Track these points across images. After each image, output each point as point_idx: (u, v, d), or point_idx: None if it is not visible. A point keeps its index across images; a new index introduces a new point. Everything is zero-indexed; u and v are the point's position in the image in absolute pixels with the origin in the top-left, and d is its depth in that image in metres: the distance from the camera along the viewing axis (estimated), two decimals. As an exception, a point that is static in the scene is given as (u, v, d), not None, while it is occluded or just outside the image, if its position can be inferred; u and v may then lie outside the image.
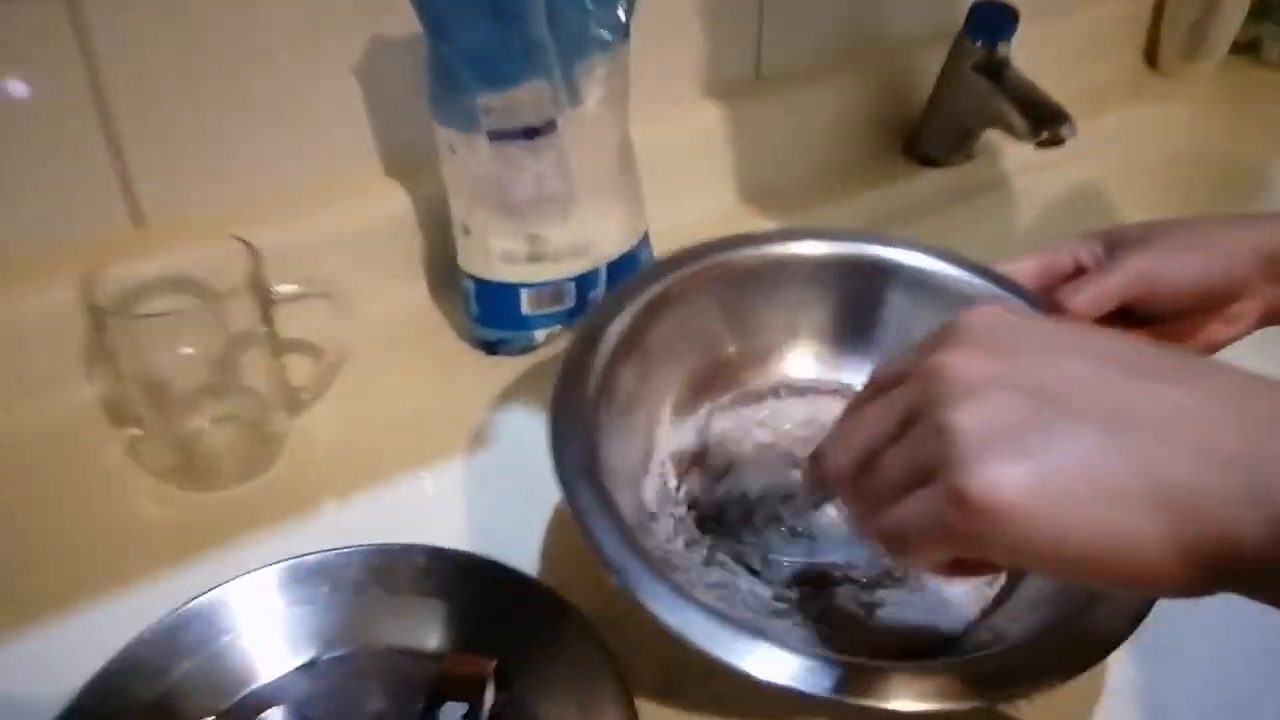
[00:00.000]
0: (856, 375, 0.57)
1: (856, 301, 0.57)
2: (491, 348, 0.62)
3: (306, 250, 0.60)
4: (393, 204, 0.64)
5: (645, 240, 0.64)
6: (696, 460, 0.54)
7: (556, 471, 0.44)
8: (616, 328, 0.50)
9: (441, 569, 0.47)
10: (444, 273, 0.65)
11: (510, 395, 0.61)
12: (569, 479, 0.43)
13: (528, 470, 0.51)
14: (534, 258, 0.59)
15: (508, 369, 0.62)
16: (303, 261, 0.58)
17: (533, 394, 0.61)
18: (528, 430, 0.58)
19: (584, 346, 0.49)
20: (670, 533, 0.50)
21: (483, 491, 0.55)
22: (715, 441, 0.54)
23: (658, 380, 0.54)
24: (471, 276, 0.60)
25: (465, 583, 0.47)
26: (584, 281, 0.61)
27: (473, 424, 0.59)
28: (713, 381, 0.56)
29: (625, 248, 0.62)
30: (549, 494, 0.44)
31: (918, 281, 0.56)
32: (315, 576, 0.47)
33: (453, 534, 0.51)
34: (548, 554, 0.51)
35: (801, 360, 0.58)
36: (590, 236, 0.59)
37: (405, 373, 0.61)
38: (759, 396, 0.57)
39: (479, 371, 0.62)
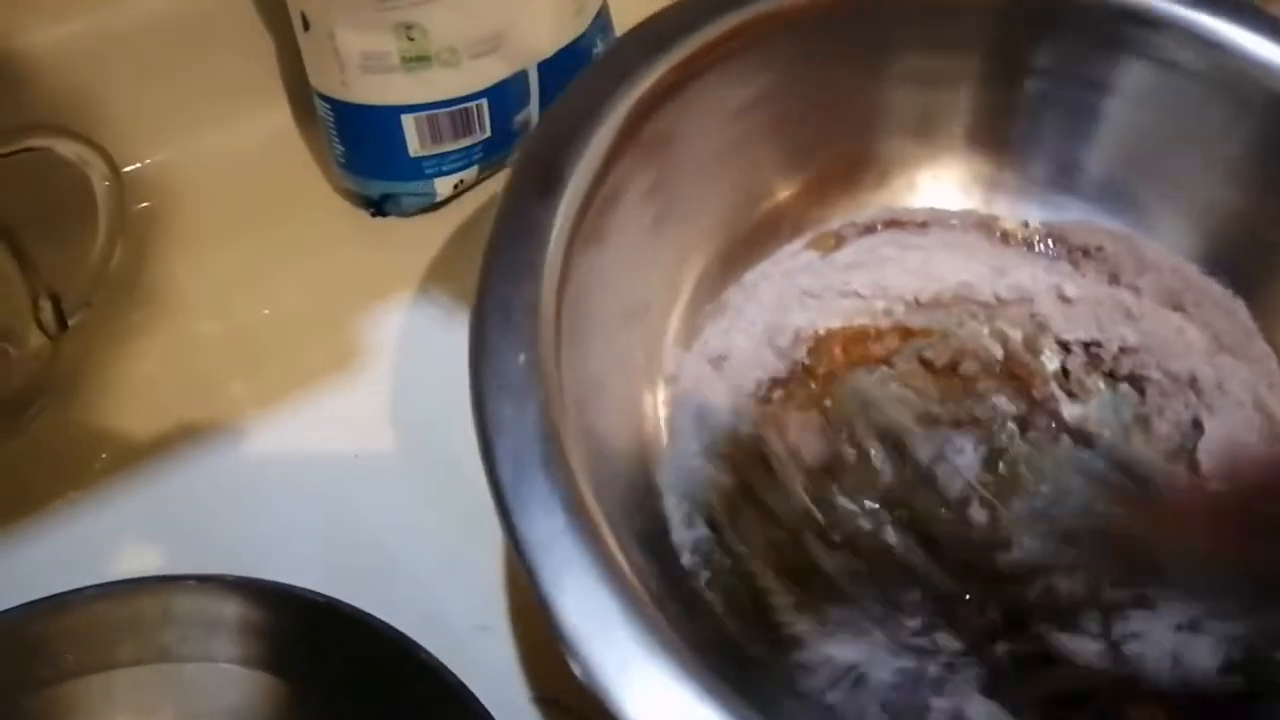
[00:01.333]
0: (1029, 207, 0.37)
1: (1046, 79, 0.36)
2: (376, 207, 0.41)
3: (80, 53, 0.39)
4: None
5: (601, 23, 0.41)
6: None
7: (483, 452, 0.24)
8: (587, 162, 0.29)
9: (267, 623, 0.28)
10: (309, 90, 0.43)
11: (409, 284, 0.40)
12: (504, 465, 0.24)
13: (434, 438, 0.35)
14: (414, 61, 0.36)
15: (402, 239, 0.41)
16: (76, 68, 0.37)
17: (443, 282, 0.40)
18: (433, 356, 0.38)
19: (529, 199, 0.28)
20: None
21: (354, 476, 0.36)
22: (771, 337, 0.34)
23: (668, 249, 0.33)
24: (325, 97, 0.38)
25: (311, 654, 0.28)
26: (502, 96, 0.38)
27: (341, 341, 0.39)
28: (766, 236, 0.36)
29: (566, 36, 0.39)
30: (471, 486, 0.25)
31: (1170, 48, 0.34)
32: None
33: (296, 560, 0.32)
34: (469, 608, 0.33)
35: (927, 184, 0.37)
36: (504, 19, 0.37)
37: (240, 256, 0.40)
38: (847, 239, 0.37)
39: (356, 245, 0.41)
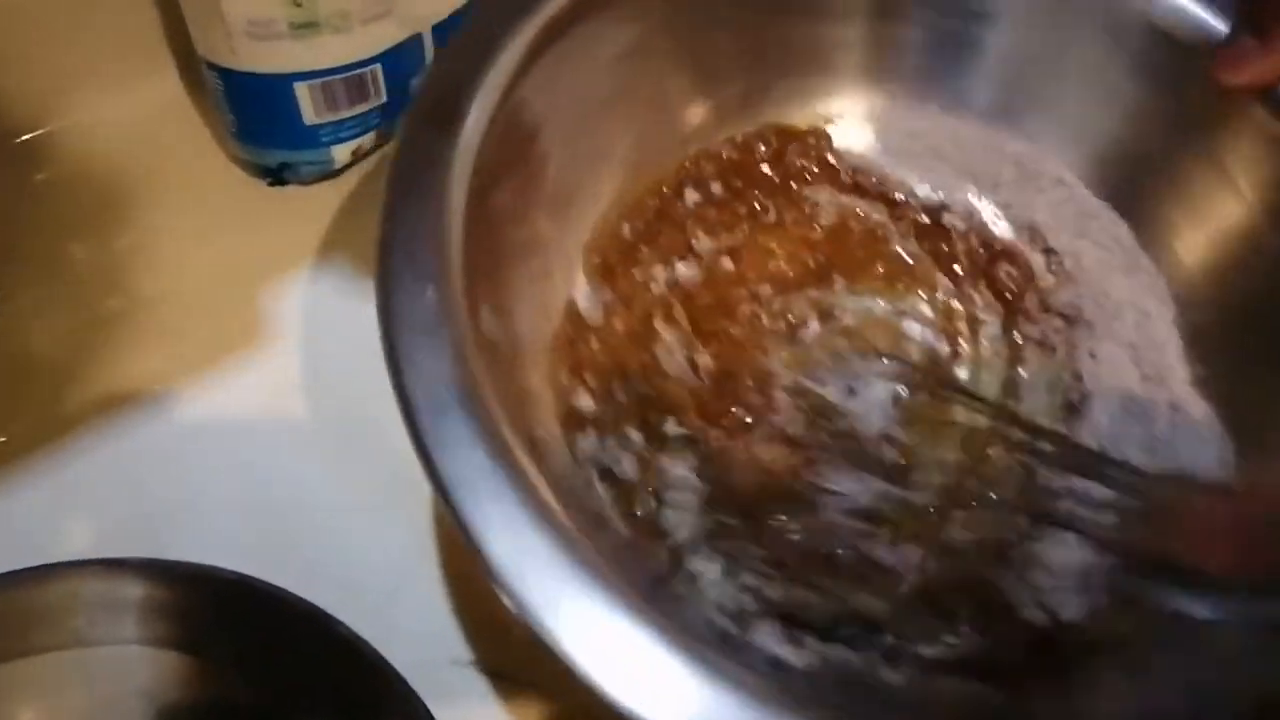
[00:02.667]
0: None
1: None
2: (274, 176, 0.40)
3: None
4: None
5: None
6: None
7: (398, 392, 0.24)
8: (481, 105, 0.28)
9: (177, 603, 0.28)
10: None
11: (311, 252, 0.40)
12: (420, 405, 0.24)
13: (347, 404, 0.34)
14: (303, 27, 0.35)
15: (301, 208, 0.40)
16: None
17: (345, 249, 0.40)
18: (340, 323, 0.38)
19: (428, 133, 0.27)
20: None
21: (269, 448, 0.36)
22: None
23: (575, 194, 0.33)
24: (213, 66, 0.37)
25: (223, 632, 0.28)
26: (397, 61, 0.38)
27: (247, 312, 0.38)
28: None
29: (461, -2, 0.39)
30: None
31: None
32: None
33: (214, 536, 0.32)
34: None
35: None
36: (394, -17, 0.36)
37: (139, 228, 0.39)
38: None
39: (256, 216, 0.40)
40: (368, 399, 0.35)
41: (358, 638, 0.28)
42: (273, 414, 0.37)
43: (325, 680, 0.27)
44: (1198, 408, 0.33)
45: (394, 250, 0.25)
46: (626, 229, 0.35)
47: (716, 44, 0.35)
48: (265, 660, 0.27)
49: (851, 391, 0.34)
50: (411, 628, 0.32)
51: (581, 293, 0.34)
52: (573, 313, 0.33)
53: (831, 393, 0.34)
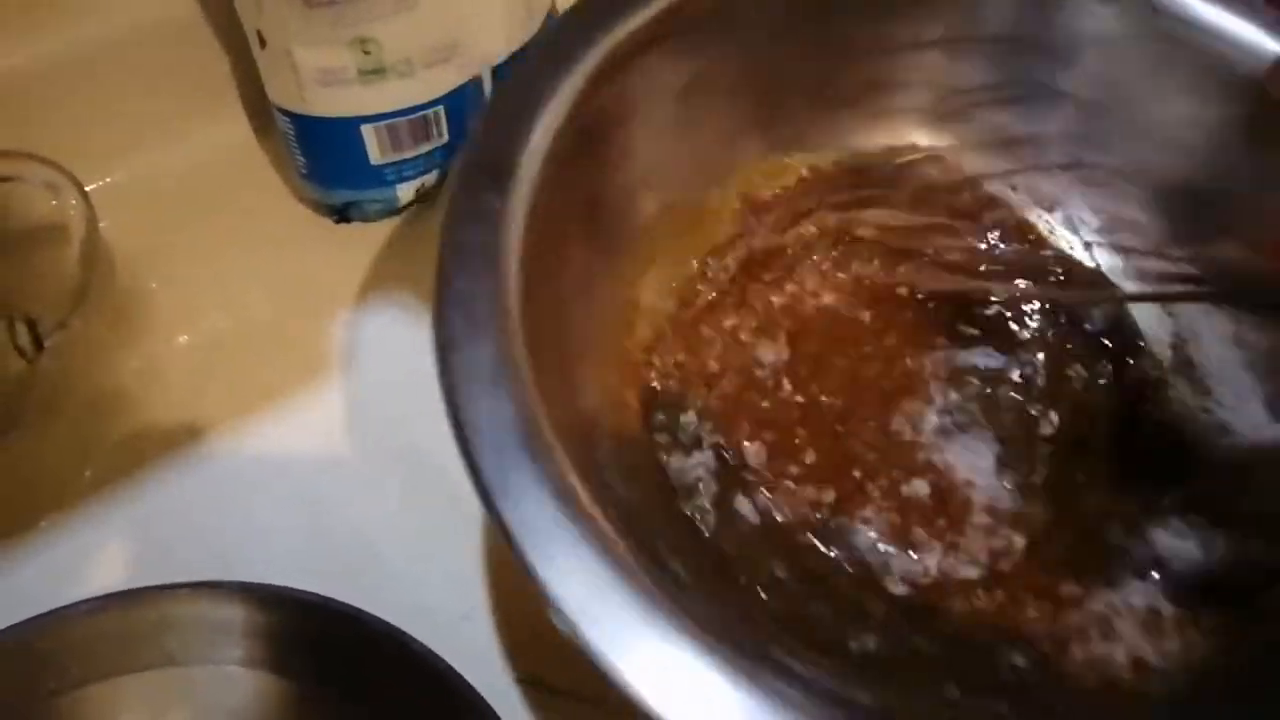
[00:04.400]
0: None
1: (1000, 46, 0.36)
2: (340, 214, 0.42)
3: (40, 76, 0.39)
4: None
5: (550, 22, 0.42)
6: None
7: (460, 445, 0.24)
8: (539, 137, 0.28)
9: (265, 624, 0.29)
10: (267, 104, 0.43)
11: (374, 287, 0.41)
12: (483, 451, 0.24)
13: (407, 435, 0.35)
14: (371, 73, 0.37)
15: (367, 245, 0.42)
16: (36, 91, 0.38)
17: (410, 284, 0.41)
18: (403, 356, 0.40)
19: (481, 187, 0.27)
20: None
21: (332, 476, 0.37)
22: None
23: (631, 224, 0.34)
24: (285, 111, 0.39)
25: (308, 651, 0.29)
26: (458, 102, 0.39)
27: (313, 346, 0.40)
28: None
29: (517, 40, 0.40)
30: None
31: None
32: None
33: (282, 561, 0.33)
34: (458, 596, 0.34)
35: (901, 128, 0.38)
36: (456, 28, 0.38)
37: (208, 267, 0.41)
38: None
39: (322, 252, 0.42)
40: (430, 428, 0.37)
41: (435, 656, 0.29)
42: (341, 444, 0.38)
43: (407, 698, 0.28)
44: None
45: (451, 307, 0.25)
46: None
47: (779, 79, 0.36)
48: (349, 677, 0.28)
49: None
50: (480, 647, 0.33)
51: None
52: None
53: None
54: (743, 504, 0.32)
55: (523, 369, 0.25)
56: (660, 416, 0.34)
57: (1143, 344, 0.36)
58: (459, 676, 0.29)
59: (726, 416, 0.34)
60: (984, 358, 0.36)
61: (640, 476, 0.32)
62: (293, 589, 0.30)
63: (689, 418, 0.34)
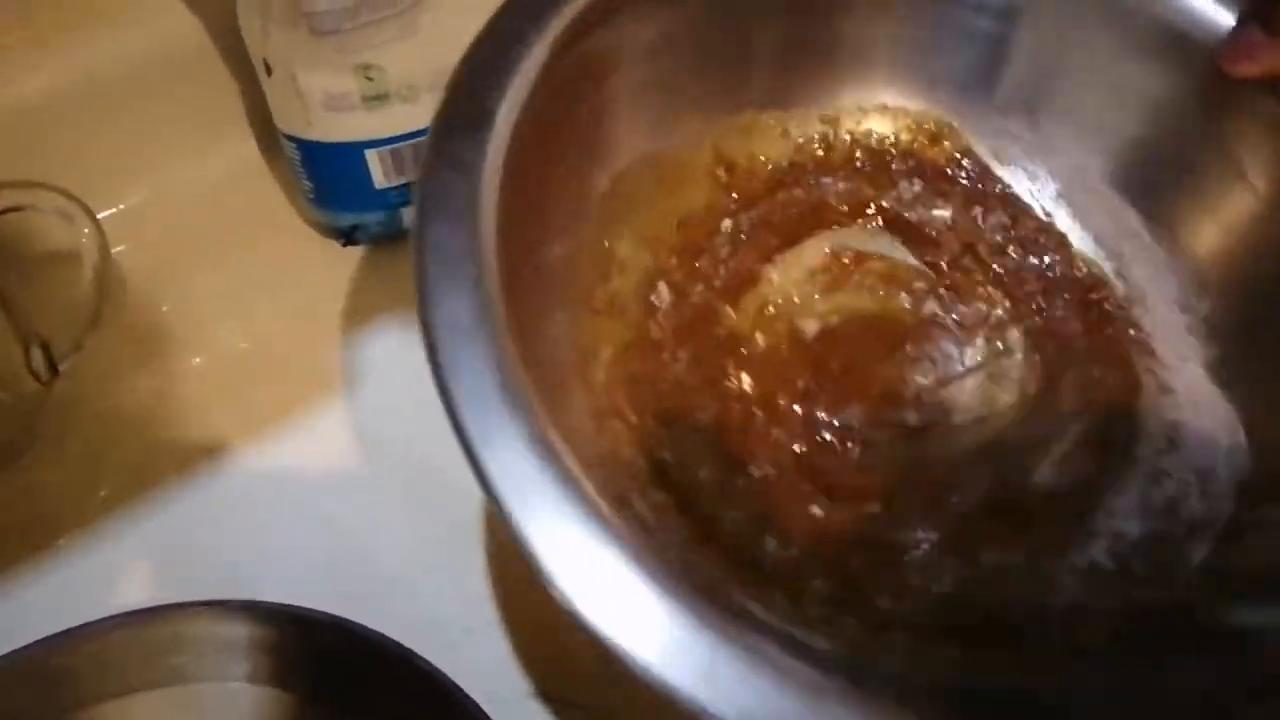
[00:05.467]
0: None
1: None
2: (346, 236, 0.43)
3: (50, 106, 0.40)
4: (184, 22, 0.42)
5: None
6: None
7: (441, 392, 0.24)
8: (515, 89, 0.28)
9: (272, 641, 0.30)
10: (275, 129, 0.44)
11: (381, 308, 0.42)
12: (464, 405, 0.24)
13: (414, 454, 0.35)
14: (374, 99, 0.38)
15: (372, 266, 0.43)
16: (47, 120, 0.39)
17: (413, 305, 0.42)
18: (409, 375, 0.40)
19: (458, 136, 0.27)
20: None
21: (342, 495, 0.38)
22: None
23: (606, 178, 0.34)
24: (291, 137, 0.40)
25: (315, 668, 0.30)
26: (461, 126, 0.40)
27: (321, 365, 0.40)
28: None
29: (519, 65, 0.41)
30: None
31: None
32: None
33: (293, 579, 0.34)
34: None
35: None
36: (458, 53, 0.38)
37: (218, 290, 0.42)
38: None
39: (329, 273, 0.43)
40: (434, 448, 0.37)
41: (440, 672, 0.29)
42: (345, 463, 0.39)
43: (412, 714, 0.29)
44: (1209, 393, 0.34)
45: (431, 261, 0.26)
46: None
47: (745, 40, 0.36)
48: (354, 695, 0.29)
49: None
50: (485, 663, 0.34)
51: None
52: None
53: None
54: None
55: (499, 319, 0.25)
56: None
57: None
58: (463, 693, 0.29)
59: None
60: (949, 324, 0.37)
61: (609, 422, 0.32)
62: (300, 607, 0.30)
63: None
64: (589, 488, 0.23)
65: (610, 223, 0.34)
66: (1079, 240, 0.38)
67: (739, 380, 0.34)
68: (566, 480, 0.23)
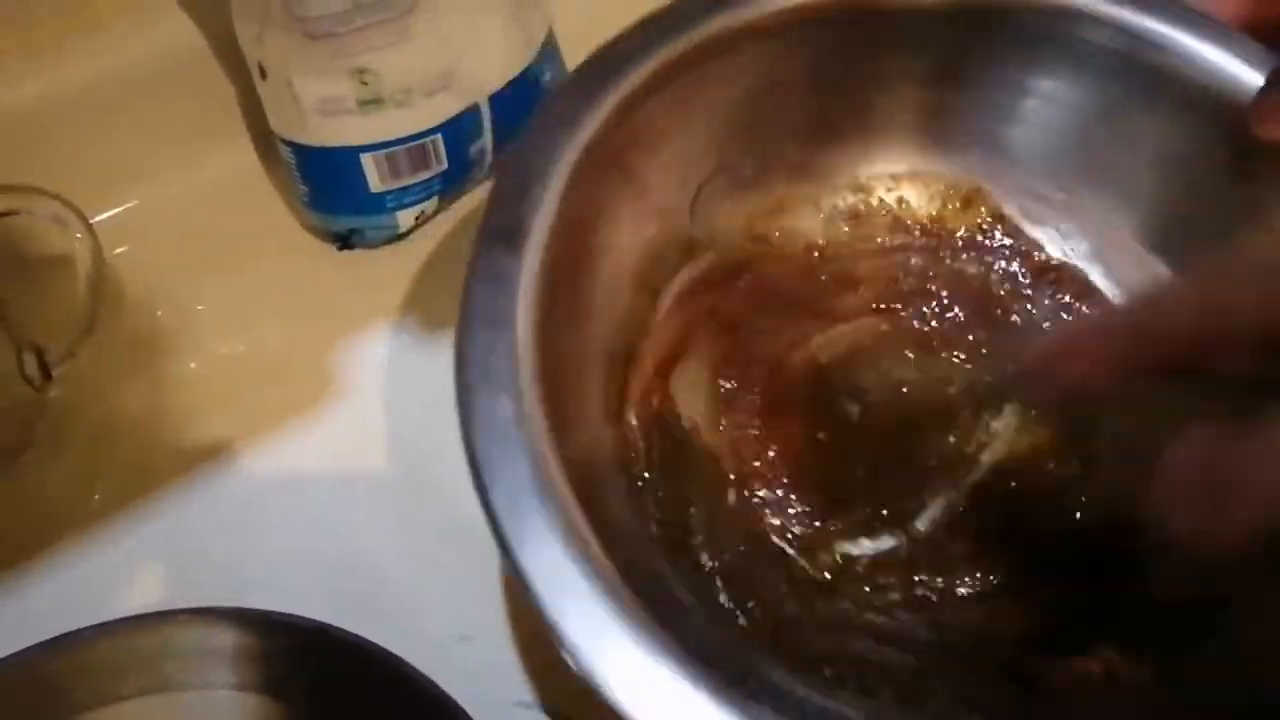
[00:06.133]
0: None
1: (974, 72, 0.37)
2: (343, 241, 0.43)
3: (45, 111, 0.40)
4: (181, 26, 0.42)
5: (548, 52, 0.42)
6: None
7: (478, 484, 0.25)
8: (547, 207, 0.29)
9: (261, 649, 0.30)
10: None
11: (377, 313, 0.42)
12: (502, 508, 0.24)
13: (410, 460, 0.35)
14: (370, 103, 0.38)
15: (369, 271, 0.43)
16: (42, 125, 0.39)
17: (410, 310, 0.42)
18: (406, 382, 0.40)
19: (496, 250, 0.28)
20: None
21: (337, 502, 0.38)
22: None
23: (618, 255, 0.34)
24: (286, 141, 0.39)
25: (304, 676, 0.30)
26: (456, 131, 0.40)
27: (318, 371, 0.40)
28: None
29: (514, 68, 0.40)
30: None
31: (1077, 42, 0.35)
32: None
33: (287, 586, 0.34)
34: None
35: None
36: (454, 58, 0.38)
37: (215, 294, 0.42)
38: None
39: (326, 278, 0.42)
40: (432, 454, 0.37)
41: (429, 680, 0.29)
42: (342, 469, 0.39)
43: (400, 722, 0.29)
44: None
45: (471, 367, 0.26)
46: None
47: (772, 122, 0.36)
48: (344, 703, 0.29)
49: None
50: (478, 672, 0.33)
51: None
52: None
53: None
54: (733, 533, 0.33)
55: (537, 419, 0.26)
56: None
57: None
58: (454, 702, 0.29)
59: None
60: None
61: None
62: (290, 614, 0.30)
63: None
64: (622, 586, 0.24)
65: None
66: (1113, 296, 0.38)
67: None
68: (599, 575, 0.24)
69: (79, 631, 0.29)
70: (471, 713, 0.29)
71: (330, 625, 0.30)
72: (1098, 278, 0.38)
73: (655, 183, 0.34)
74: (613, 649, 0.23)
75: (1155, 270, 0.37)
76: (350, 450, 0.39)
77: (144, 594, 0.35)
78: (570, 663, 0.23)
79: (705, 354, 0.36)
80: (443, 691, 0.29)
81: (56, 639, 0.29)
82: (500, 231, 0.28)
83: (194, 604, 0.31)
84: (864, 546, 0.33)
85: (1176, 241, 0.36)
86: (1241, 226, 0.34)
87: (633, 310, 0.35)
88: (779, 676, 0.29)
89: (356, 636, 0.30)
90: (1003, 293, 0.38)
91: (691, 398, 0.35)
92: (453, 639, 0.35)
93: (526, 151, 0.30)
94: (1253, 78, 0.32)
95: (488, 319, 0.27)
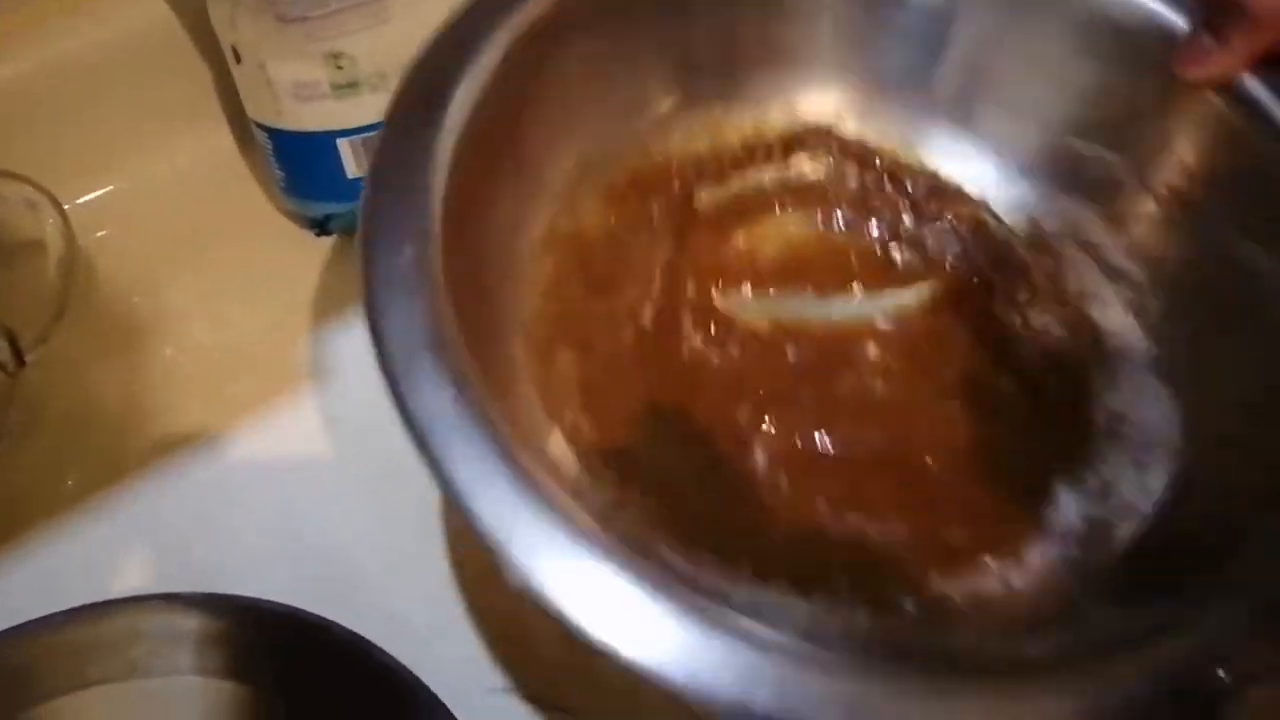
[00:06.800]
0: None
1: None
2: (320, 226, 0.42)
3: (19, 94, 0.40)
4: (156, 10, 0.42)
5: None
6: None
7: (374, 339, 0.24)
8: (464, 94, 0.28)
9: (229, 634, 0.30)
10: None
11: (354, 299, 0.41)
12: (394, 350, 0.24)
13: (385, 448, 0.34)
14: (344, 88, 0.37)
15: (346, 257, 0.42)
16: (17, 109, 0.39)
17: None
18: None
19: (413, 120, 0.27)
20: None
21: (312, 489, 0.37)
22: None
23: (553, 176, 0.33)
24: (262, 126, 0.39)
25: (273, 661, 0.29)
26: (433, 115, 0.40)
27: (294, 357, 0.40)
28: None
29: (493, 54, 0.40)
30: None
31: None
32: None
33: (259, 572, 0.34)
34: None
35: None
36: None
37: (192, 280, 0.42)
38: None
39: (303, 263, 0.42)
40: (402, 441, 0.37)
41: (399, 665, 0.29)
42: (317, 455, 0.38)
43: (370, 706, 0.28)
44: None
45: (377, 214, 0.26)
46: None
47: (691, 39, 0.36)
48: (313, 687, 0.29)
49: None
50: (449, 657, 0.33)
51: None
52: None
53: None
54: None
55: (437, 277, 0.25)
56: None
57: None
58: (423, 685, 0.29)
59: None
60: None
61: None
62: (258, 599, 0.30)
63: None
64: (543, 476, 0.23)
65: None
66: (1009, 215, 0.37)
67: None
68: (521, 475, 0.23)
69: (46, 618, 0.29)
70: (444, 699, 0.29)
71: (300, 610, 0.30)
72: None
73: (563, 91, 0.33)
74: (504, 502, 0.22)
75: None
76: (326, 436, 0.39)
77: (116, 580, 0.35)
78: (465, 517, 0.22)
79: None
80: (414, 676, 0.29)
81: (23, 625, 0.29)
82: (417, 106, 0.27)
83: (166, 590, 0.31)
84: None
85: (1076, 170, 0.36)
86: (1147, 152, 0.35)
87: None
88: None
89: (327, 620, 0.29)
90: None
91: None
92: (423, 625, 0.34)
93: (445, 43, 0.29)
94: (1168, 14, 0.33)
95: (398, 194, 0.26)
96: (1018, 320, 0.36)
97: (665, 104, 0.36)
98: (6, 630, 0.29)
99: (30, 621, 0.29)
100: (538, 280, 0.33)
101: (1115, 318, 0.35)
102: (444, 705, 0.29)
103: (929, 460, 0.33)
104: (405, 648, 0.30)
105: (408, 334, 0.24)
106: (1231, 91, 0.32)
